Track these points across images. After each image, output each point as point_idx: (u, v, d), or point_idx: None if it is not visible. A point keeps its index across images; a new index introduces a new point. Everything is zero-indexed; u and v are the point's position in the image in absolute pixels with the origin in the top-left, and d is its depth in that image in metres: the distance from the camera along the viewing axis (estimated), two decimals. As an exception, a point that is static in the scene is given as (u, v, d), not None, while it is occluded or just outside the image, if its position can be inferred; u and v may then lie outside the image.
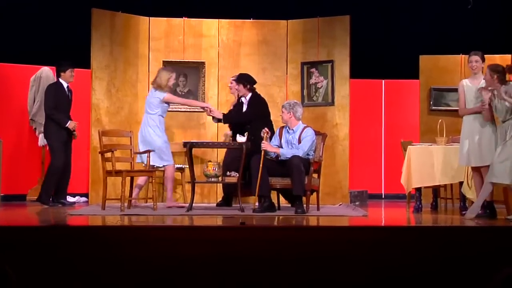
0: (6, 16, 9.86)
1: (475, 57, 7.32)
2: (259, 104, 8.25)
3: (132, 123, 9.40)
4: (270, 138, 8.01)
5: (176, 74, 8.51)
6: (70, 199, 8.92)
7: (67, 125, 8.59)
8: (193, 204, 7.96)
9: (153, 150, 8.41)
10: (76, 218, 7.13)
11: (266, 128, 7.99)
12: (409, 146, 8.14)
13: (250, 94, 8.29)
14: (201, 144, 8.07)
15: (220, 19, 9.66)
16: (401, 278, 5.29)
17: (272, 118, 9.48)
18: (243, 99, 8.34)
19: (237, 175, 7.91)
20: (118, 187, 8.63)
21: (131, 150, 8.19)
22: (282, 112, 7.97)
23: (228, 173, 8.03)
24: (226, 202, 8.51)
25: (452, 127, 9.05)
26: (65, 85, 8.79)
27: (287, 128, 7.98)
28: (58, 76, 8.79)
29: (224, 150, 8.68)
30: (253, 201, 7.82)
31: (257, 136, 7.88)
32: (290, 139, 7.92)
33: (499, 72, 7.11)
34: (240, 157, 7.86)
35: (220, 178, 7.94)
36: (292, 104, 7.97)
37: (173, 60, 9.54)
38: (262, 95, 9.55)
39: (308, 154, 7.87)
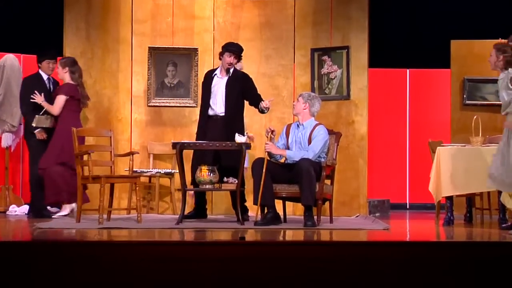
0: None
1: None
2: None
3: (112, 120, 9.41)
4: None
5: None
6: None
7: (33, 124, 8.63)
8: (187, 214, 7.97)
9: (137, 153, 8.46)
10: (46, 232, 7.12)
11: (270, 127, 7.98)
12: (438, 147, 8.13)
13: None
14: (193, 145, 8.07)
15: (215, -2, 9.68)
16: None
17: (278, 115, 9.50)
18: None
19: (236, 181, 7.90)
20: (95, 196, 8.63)
21: (111, 152, 8.19)
22: (297, 100, 7.99)
23: (225, 179, 8.02)
24: (198, 213, 8.49)
25: (489, 125, 9.03)
26: (45, 77, 8.83)
27: (297, 123, 7.99)
28: (39, 66, 8.87)
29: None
30: (255, 212, 7.82)
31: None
32: (300, 136, 7.92)
33: (506, 53, 7.14)
34: (237, 160, 7.88)
35: (216, 185, 7.94)
36: (312, 95, 8.02)
37: (160, 46, 9.54)
38: (266, 87, 9.56)
39: (319, 157, 7.86)
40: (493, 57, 7.25)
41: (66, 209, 8.59)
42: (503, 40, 7.72)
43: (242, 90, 8.41)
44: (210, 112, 8.41)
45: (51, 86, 8.88)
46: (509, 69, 7.15)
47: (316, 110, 7.98)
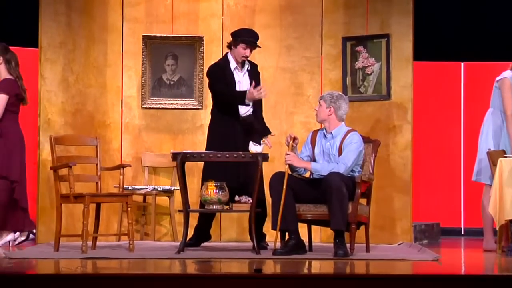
0: None
1: None
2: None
3: (99, 125, 9.44)
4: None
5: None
6: None
7: None
8: (187, 243, 8.00)
9: (129, 165, 8.48)
10: (18, 263, 7.15)
11: (292, 133, 7.98)
12: (500, 159, 8.10)
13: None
14: (198, 156, 8.09)
15: (225, -25, 9.72)
16: None
17: (301, 119, 9.50)
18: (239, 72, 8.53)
19: (250, 200, 7.91)
20: (78, 219, 8.66)
21: (97, 165, 8.22)
22: (319, 105, 7.97)
23: (236, 197, 8.04)
24: (200, 236, 8.52)
25: None
26: None
27: (324, 131, 7.99)
28: None
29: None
30: (274, 239, 7.83)
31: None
32: (328, 147, 7.91)
33: None
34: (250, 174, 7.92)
35: (225, 205, 7.95)
36: (335, 96, 7.97)
37: (157, 35, 9.57)
38: (287, 84, 9.56)
39: (352, 171, 7.86)
40: None
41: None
42: None
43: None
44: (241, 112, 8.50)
45: None
46: None
47: (344, 113, 7.95)
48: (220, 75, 8.54)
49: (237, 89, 8.49)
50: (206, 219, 8.54)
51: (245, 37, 8.44)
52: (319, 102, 8.00)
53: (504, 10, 10.72)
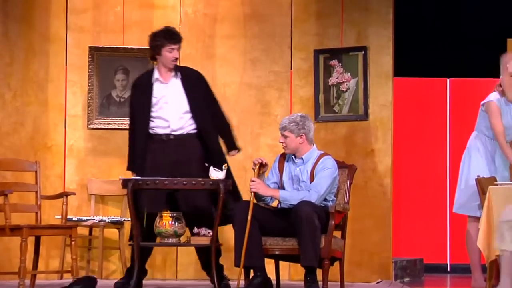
0: None
1: None
2: None
3: (39, 148, 9.40)
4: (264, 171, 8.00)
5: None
6: None
7: None
8: (139, 280, 7.94)
9: (73, 193, 8.41)
10: None
11: (259, 158, 7.93)
12: (490, 187, 8.10)
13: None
14: (151, 183, 8.03)
15: (182, -20, 9.72)
16: None
17: (267, 141, 9.48)
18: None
19: (210, 233, 7.87)
20: (15, 253, 8.58)
21: (36, 193, 8.15)
22: (285, 137, 7.84)
23: (195, 229, 8.00)
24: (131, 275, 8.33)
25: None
26: None
27: (293, 157, 7.96)
28: None
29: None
30: (237, 276, 7.79)
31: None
32: (297, 173, 7.89)
33: None
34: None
35: (182, 238, 7.90)
36: (300, 122, 7.83)
37: (106, 46, 9.54)
38: (252, 102, 9.55)
39: (325, 200, 7.84)
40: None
41: None
42: None
43: (205, 95, 8.33)
44: (161, 131, 8.27)
45: None
46: None
47: (313, 133, 7.90)
48: (136, 87, 8.35)
49: (155, 104, 8.18)
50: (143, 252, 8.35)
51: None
52: (284, 134, 7.83)
53: (491, 21, 10.80)
